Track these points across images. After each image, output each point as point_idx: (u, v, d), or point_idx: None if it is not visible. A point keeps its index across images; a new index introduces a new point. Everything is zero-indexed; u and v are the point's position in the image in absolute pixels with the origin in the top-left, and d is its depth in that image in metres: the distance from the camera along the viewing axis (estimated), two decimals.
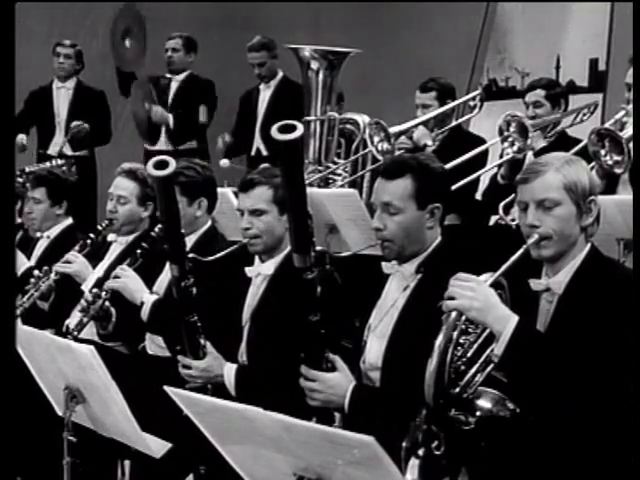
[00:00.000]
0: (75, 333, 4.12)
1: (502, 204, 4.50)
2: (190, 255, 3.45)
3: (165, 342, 4.07)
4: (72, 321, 4.34)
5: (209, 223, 4.26)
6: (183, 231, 3.97)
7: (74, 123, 7.51)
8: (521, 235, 2.83)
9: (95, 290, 4.13)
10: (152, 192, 4.56)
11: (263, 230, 3.58)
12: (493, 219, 4.95)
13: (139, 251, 4.18)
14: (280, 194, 3.55)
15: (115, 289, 4.09)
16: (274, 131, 2.66)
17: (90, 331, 4.27)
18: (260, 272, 3.64)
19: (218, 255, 3.76)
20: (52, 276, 4.51)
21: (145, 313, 4.01)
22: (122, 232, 4.63)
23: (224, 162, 6.48)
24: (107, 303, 4.12)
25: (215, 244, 4.07)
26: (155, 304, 4.01)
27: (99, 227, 4.62)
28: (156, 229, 4.20)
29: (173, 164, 3.16)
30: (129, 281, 4.08)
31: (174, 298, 3.41)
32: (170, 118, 7.50)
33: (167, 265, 4.17)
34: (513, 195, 4.34)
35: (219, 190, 4.37)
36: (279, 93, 7.30)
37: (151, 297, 4.04)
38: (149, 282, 4.17)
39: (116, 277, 4.11)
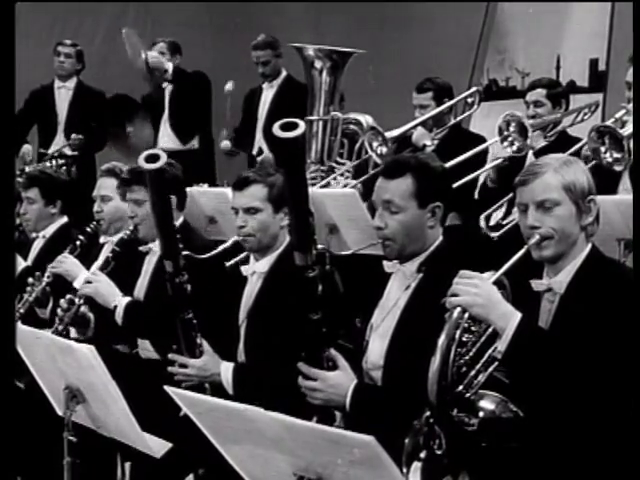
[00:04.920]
0: None
1: (483, 216, 4.52)
2: (184, 253, 3.45)
3: (152, 345, 4.06)
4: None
5: (181, 219, 4.25)
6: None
7: (72, 136, 7.50)
8: (521, 235, 2.84)
9: (69, 296, 4.14)
10: (121, 181, 4.58)
11: (257, 228, 3.59)
12: (494, 220, 4.95)
13: (110, 254, 4.19)
14: (275, 192, 3.57)
15: (87, 294, 4.10)
16: (276, 129, 2.67)
17: None
18: (255, 270, 3.64)
19: (213, 252, 3.75)
20: (44, 279, 4.51)
21: (119, 316, 4.02)
22: (111, 231, 4.65)
23: (225, 144, 6.46)
24: (83, 309, 4.12)
25: (189, 240, 4.08)
26: (129, 307, 4.01)
27: (88, 229, 4.63)
28: (127, 231, 4.21)
29: (164, 157, 3.16)
30: (100, 285, 4.09)
31: (158, 298, 3.41)
32: (168, 64, 7.33)
33: (144, 267, 4.20)
34: (495, 206, 4.41)
35: (220, 190, 4.38)
36: (282, 92, 7.29)
37: (124, 300, 4.05)
38: (128, 284, 4.17)
39: (88, 282, 4.11)
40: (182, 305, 3.37)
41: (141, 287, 4.19)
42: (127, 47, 7.37)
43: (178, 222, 4.21)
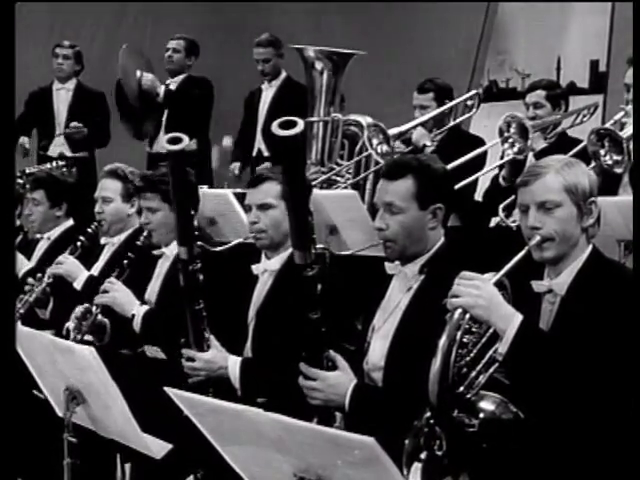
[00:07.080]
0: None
1: (502, 206, 4.50)
2: (199, 243, 3.43)
3: (164, 352, 4.05)
4: (71, 325, 4.32)
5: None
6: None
7: (72, 124, 7.51)
8: (522, 236, 2.83)
9: (85, 305, 4.13)
10: (134, 188, 4.59)
11: (269, 225, 3.60)
12: (494, 220, 4.95)
13: (126, 262, 4.18)
14: None
15: (104, 304, 4.09)
16: (275, 127, 2.67)
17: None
18: (266, 268, 3.64)
19: (226, 246, 3.74)
20: (45, 280, 4.50)
21: (137, 325, 4.02)
22: (112, 232, 4.66)
23: (227, 141, 6.48)
24: (99, 317, 4.12)
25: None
26: (146, 315, 4.01)
27: (88, 230, 4.64)
28: (141, 237, 4.20)
29: (186, 140, 3.14)
30: (118, 295, 4.08)
31: (172, 305, 3.40)
32: (161, 87, 7.40)
33: (156, 271, 4.19)
34: (513, 197, 4.36)
35: (220, 191, 4.38)
36: (282, 93, 7.30)
37: (142, 309, 4.04)
38: (139, 290, 4.17)
39: (105, 292, 4.11)
40: (194, 295, 3.34)
41: (152, 291, 4.18)
42: (119, 65, 7.36)
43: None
